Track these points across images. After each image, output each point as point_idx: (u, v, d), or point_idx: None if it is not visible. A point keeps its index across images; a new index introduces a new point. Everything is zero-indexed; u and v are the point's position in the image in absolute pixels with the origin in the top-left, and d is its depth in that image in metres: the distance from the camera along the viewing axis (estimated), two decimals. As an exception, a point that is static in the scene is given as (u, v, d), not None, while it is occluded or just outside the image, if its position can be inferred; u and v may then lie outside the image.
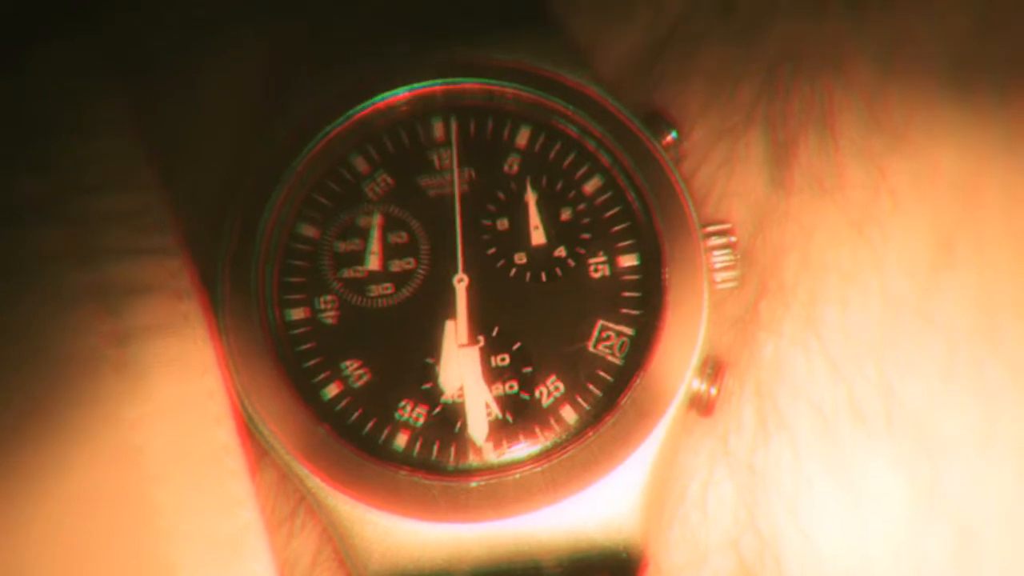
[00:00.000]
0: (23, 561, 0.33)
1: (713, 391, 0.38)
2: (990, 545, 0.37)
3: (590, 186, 0.40)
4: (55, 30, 0.41)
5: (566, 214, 0.40)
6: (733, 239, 0.39)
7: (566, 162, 0.40)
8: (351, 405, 0.38)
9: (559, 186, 0.40)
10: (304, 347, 0.39)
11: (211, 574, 0.35)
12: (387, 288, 0.39)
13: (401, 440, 0.38)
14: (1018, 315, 0.38)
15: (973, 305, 0.38)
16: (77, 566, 0.33)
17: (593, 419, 0.38)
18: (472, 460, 0.38)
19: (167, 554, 0.34)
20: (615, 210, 0.40)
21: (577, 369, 0.39)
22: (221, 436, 0.36)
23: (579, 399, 0.38)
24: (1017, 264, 0.38)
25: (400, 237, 0.39)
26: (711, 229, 0.39)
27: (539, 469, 0.37)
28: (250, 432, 0.38)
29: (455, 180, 0.40)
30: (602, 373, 0.38)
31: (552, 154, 0.40)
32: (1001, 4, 0.40)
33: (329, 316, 0.39)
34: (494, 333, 0.39)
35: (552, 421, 0.38)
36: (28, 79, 0.39)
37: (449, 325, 0.39)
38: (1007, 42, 0.39)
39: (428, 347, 0.38)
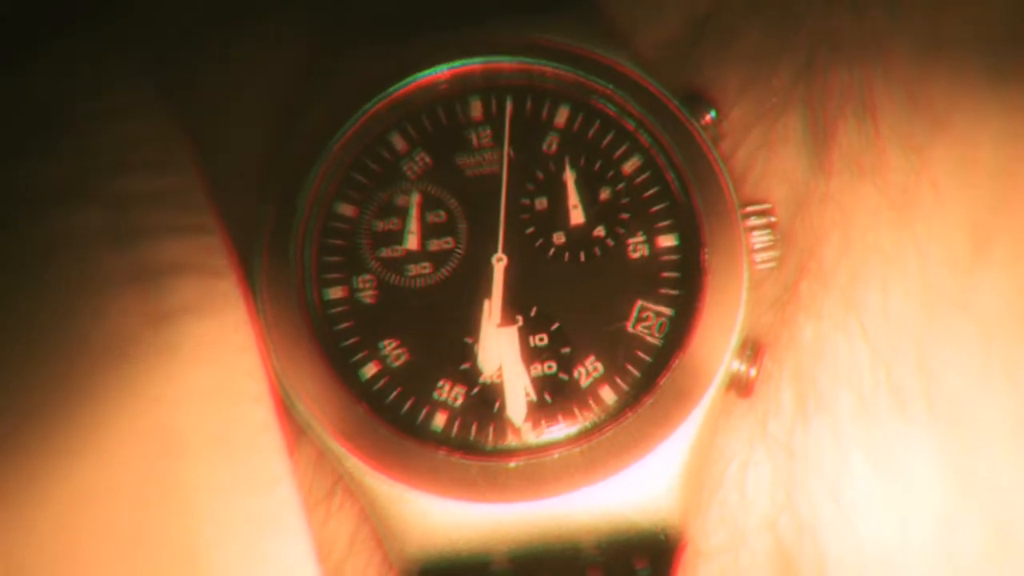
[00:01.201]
0: (64, 536, 0.33)
1: (752, 372, 0.38)
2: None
3: (629, 166, 0.40)
4: (80, 16, 0.41)
5: (605, 194, 0.39)
6: (773, 219, 0.39)
7: (605, 142, 0.40)
8: (389, 385, 0.38)
9: (598, 166, 0.40)
10: (342, 326, 0.39)
11: (247, 552, 0.35)
12: (425, 267, 0.39)
13: (439, 420, 0.38)
14: None
15: (1010, 297, 0.38)
16: (115, 542, 0.33)
17: (632, 400, 0.38)
18: (510, 440, 0.38)
19: (203, 531, 0.34)
20: (654, 190, 0.40)
21: (616, 349, 0.38)
22: (259, 415, 0.36)
23: (618, 380, 0.38)
24: None
25: (438, 216, 0.39)
26: (750, 209, 0.39)
27: (577, 450, 0.37)
28: (288, 411, 0.38)
29: (502, 159, 0.40)
30: (641, 354, 0.38)
31: (591, 134, 0.40)
32: None
33: (367, 295, 0.39)
34: (532, 313, 0.38)
35: (591, 402, 0.38)
36: (56, 66, 0.39)
37: (487, 305, 0.39)
38: None
39: (466, 327, 0.38)
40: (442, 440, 0.37)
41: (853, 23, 0.40)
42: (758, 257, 0.39)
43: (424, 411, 0.38)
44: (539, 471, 0.37)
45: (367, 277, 0.39)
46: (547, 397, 0.38)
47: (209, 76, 0.41)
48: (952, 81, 0.39)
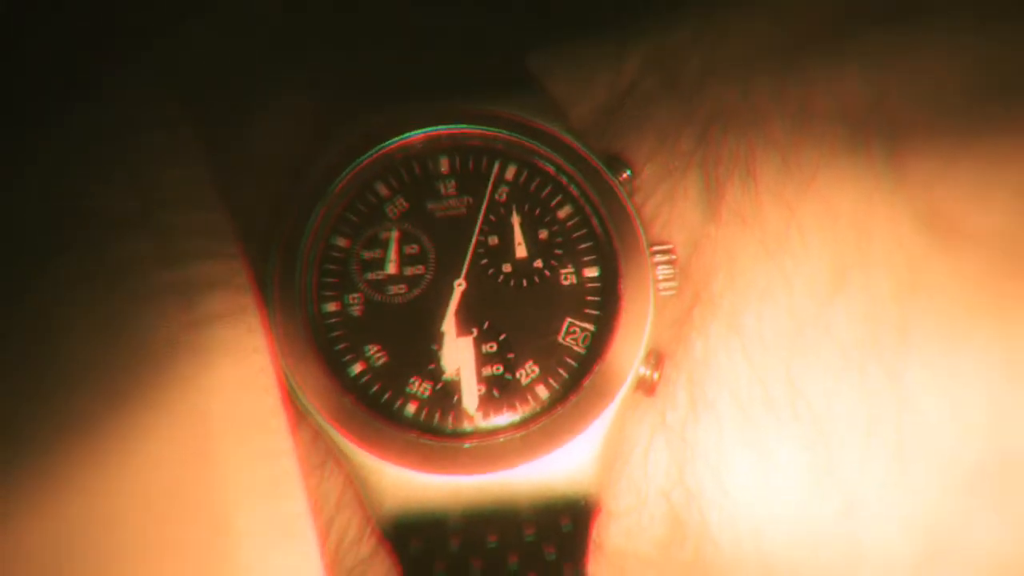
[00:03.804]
0: (115, 504, 0.36)
1: (655, 376, 0.41)
2: (868, 511, 0.40)
3: (562, 212, 0.43)
4: (124, 63, 0.43)
5: (543, 234, 0.43)
6: (674, 257, 0.42)
7: (544, 193, 0.43)
8: (372, 380, 0.41)
9: (538, 212, 0.43)
10: (335, 334, 0.42)
11: (260, 509, 0.37)
12: (402, 288, 0.42)
13: (411, 408, 0.41)
14: (898, 329, 0.39)
15: (861, 322, 0.40)
16: (156, 505, 0.36)
17: (561, 397, 0.41)
18: (466, 426, 0.41)
19: (226, 494, 0.37)
20: (582, 232, 0.43)
21: (550, 356, 0.41)
22: (269, 402, 0.39)
23: (551, 380, 0.41)
24: (896, 291, 0.40)
25: (413, 249, 0.42)
26: (656, 249, 0.42)
27: (518, 435, 0.40)
28: (291, 400, 0.40)
29: (466, 205, 0.43)
30: (569, 360, 0.42)
31: (533, 187, 0.43)
32: (889, 84, 0.42)
33: (356, 309, 0.42)
34: (485, 326, 0.41)
35: (529, 397, 0.41)
36: (110, 107, 0.42)
37: (449, 319, 0.42)
38: (892, 112, 0.41)
39: (433, 336, 0.41)
40: (413, 424, 0.41)
41: (740, 102, 0.43)
42: (661, 286, 0.42)
43: (399, 401, 0.41)
44: (488, 451, 0.40)
45: (356, 295, 0.42)
46: (495, 392, 0.41)
47: (235, 133, 0.44)
48: (817, 148, 0.41)
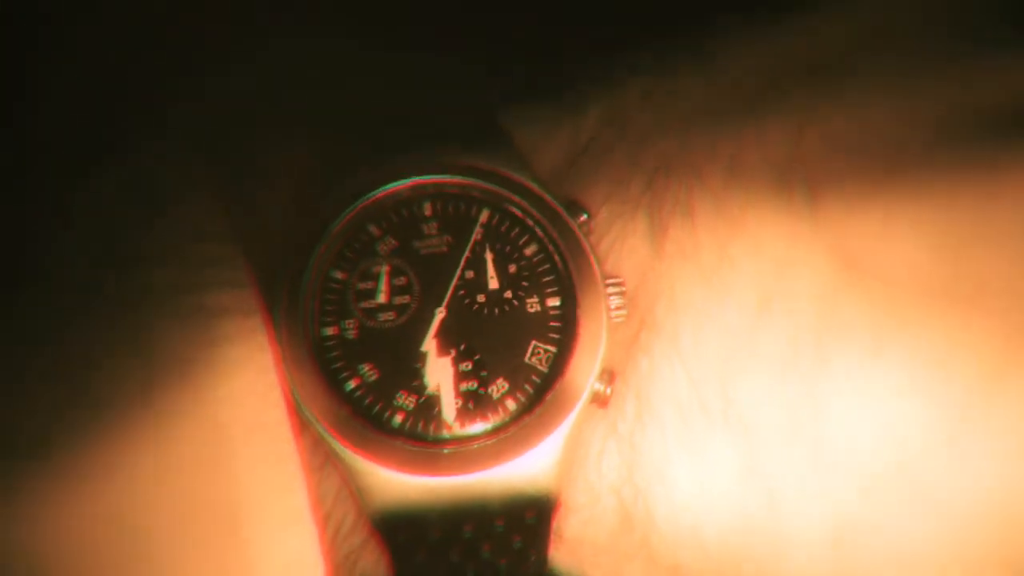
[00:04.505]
0: (148, 491, 0.37)
1: (608, 391, 0.42)
2: (788, 504, 0.41)
3: (529, 250, 0.44)
4: (148, 128, 0.44)
5: (512, 268, 0.43)
6: (624, 289, 0.43)
7: (513, 233, 0.44)
8: (365, 393, 0.42)
9: (508, 249, 0.43)
10: (333, 354, 0.42)
11: (269, 504, 0.38)
12: (391, 315, 0.42)
13: (398, 418, 0.41)
14: (815, 348, 0.41)
15: (783, 342, 0.41)
16: (183, 496, 0.37)
17: (527, 409, 0.42)
18: (445, 434, 0.41)
19: (240, 490, 0.38)
20: (545, 267, 0.43)
21: (518, 374, 0.42)
22: (277, 414, 0.40)
23: (519, 395, 0.42)
24: (814, 315, 0.41)
25: (401, 281, 0.43)
26: (609, 281, 0.42)
27: (490, 442, 0.41)
28: (295, 410, 0.41)
29: (447, 244, 0.44)
30: (534, 377, 0.42)
31: (504, 227, 0.44)
32: (807, 138, 0.43)
33: (351, 333, 0.42)
34: (462, 348, 0.42)
35: (500, 409, 0.42)
36: (140, 166, 0.43)
37: (431, 342, 0.42)
38: (810, 162, 0.42)
39: (417, 356, 0.42)
40: (399, 432, 0.41)
41: (681, 154, 0.44)
42: (613, 314, 0.42)
43: (388, 412, 0.41)
44: (464, 455, 0.41)
45: (352, 321, 0.42)
46: (470, 405, 0.42)
47: (247, 183, 0.44)
48: (745, 193, 0.42)
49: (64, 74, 0.45)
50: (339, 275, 0.43)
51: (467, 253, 0.43)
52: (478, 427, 0.42)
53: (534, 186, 0.43)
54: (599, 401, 0.42)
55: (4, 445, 0.35)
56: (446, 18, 0.51)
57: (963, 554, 0.40)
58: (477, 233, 0.44)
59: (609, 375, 0.42)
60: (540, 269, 0.44)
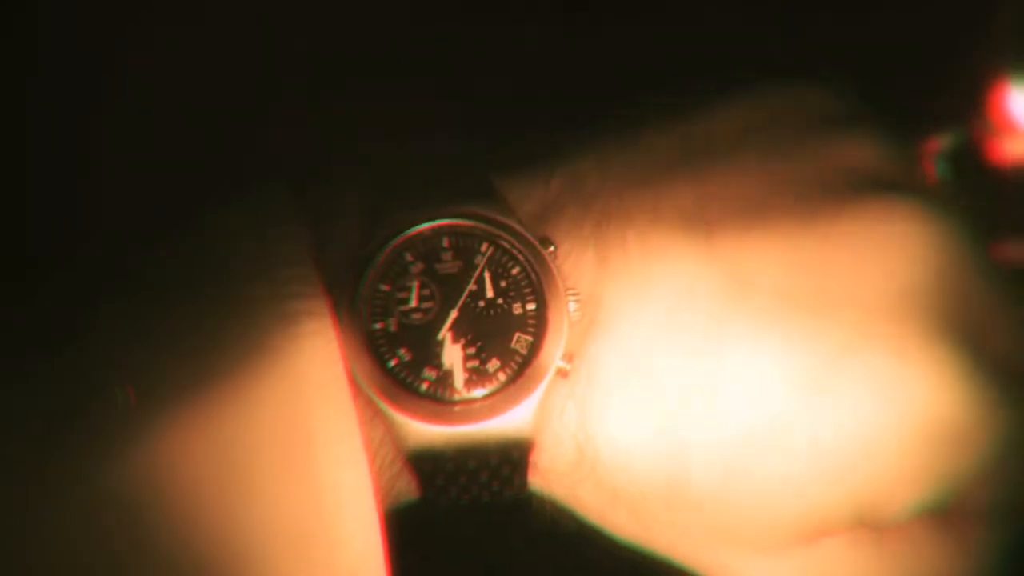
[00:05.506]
0: (240, 445, 0.41)
1: (568, 367, 0.49)
2: (694, 444, 0.47)
3: (515, 271, 0.52)
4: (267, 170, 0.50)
5: (504, 283, 0.51)
6: (579, 297, 0.50)
7: (504, 259, 0.51)
8: (401, 369, 0.49)
9: (500, 270, 0.51)
10: (379, 342, 0.49)
11: (335, 447, 0.44)
12: (420, 315, 0.50)
13: (424, 386, 0.49)
14: (714, 336, 0.47)
15: (690, 333, 0.47)
16: (269, 448, 0.42)
17: (512, 380, 0.50)
18: (456, 397, 0.49)
19: (314, 439, 0.43)
20: (526, 282, 0.51)
21: (506, 355, 0.50)
22: (340, 383, 0.46)
23: (507, 370, 0.50)
24: (714, 317, 0.47)
25: (426, 292, 0.51)
26: (570, 292, 0.50)
27: (487, 403, 0.49)
28: (353, 381, 0.47)
29: (461, 268, 0.51)
30: (518, 358, 0.50)
31: (498, 255, 0.52)
32: (707, 195, 0.50)
33: (392, 327, 0.50)
34: (469, 337, 0.50)
35: (494, 380, 0.50)
36: (239, 212, 0.48)
37: (447, 333, 0.50)
38: (709, 212, 0.49)
39: (437, 343, 0.50)
40: (425, 396, 0.49)
41: (618, 206, 0.51)
42: (572, 314, 0.50)
43: (417, 382, 0.49)
44: (470, 412, 0.49)
45: (392, 319, 0.50)
46: (474, 377, 0.49)
47: (323, 224, 0.50)
48: (664, 233, 0.49)
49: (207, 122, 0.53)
50: (384, 287, 0.51)
51: (474, 273, 0.51)
52: (479, 392, 0.50)
53: (519, 227, 0.51)
54: (562, 374, 0.50)
55: (146, 392, 0.39)
56: (447, 115, 0.62)
57: (818, 492, 0.46)
58: (479, 260, 0.52)
59: (569, 356, 0.49)
60: (522, 283, 0.51)
